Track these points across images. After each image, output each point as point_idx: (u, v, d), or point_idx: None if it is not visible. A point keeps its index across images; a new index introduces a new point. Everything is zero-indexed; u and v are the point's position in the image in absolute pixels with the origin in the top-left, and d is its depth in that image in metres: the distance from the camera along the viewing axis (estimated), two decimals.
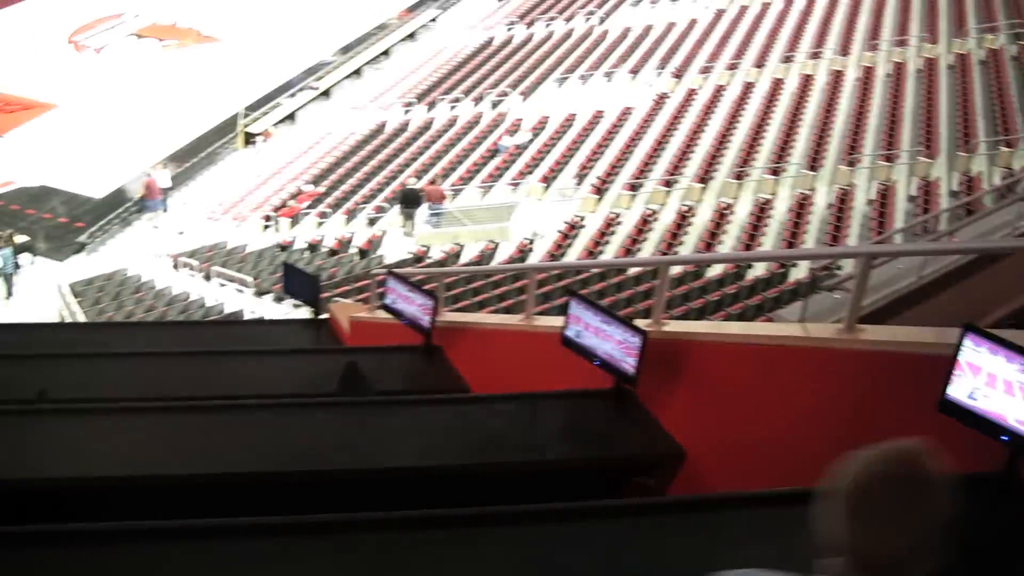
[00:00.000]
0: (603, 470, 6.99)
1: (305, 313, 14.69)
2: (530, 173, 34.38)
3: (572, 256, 27.14)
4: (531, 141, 37.68)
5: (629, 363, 6.94)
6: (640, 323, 7.17)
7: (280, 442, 6.84)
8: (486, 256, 28.14)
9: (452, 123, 41.40)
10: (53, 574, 4.48)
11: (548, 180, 33.53)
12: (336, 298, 21.17)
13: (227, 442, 6.80)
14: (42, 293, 30.77)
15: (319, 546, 4.78)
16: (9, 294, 31.30)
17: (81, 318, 26.59)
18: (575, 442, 7.17)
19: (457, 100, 43.22)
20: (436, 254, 29.11)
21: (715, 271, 22.58)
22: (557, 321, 8.64)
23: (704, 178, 30.72)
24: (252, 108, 44.17)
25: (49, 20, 52.02)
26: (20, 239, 33.25)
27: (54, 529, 4.78)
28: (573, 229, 28.92)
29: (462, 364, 9.87)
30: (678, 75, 40.98)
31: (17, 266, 32.01)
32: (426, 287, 10.67)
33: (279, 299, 26.67)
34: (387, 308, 10.74)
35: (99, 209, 37.41)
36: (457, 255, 28.71)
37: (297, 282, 14.16)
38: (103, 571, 4.50)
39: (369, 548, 4.80)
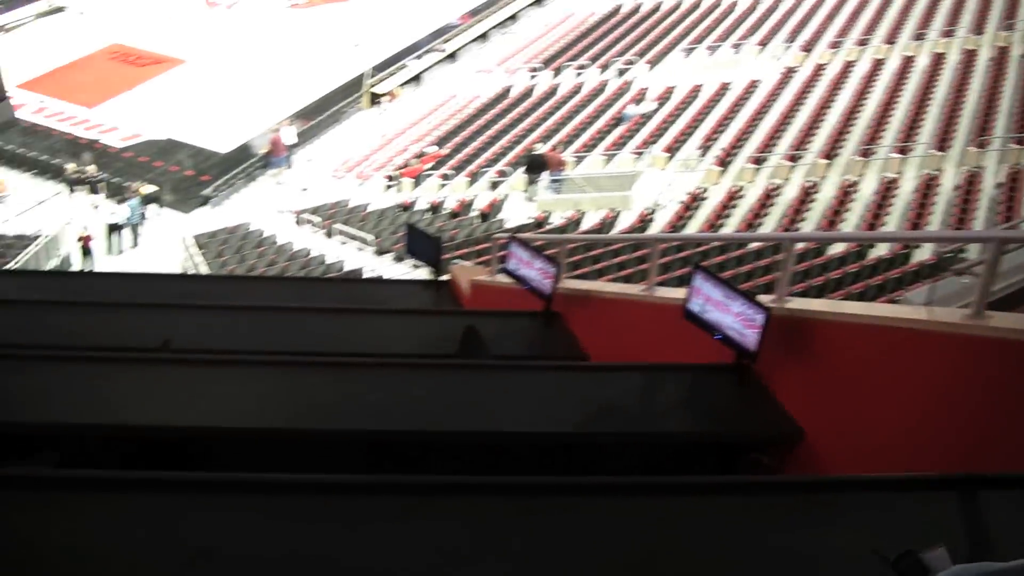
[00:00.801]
0: (719, 445, 6.97)
1: (425, 274, 14.79)
2: (654, 143, 34.21)
3: (693, 228, 27.00)
4: (656, 110, 37.49)
5: (750, 339, 6.90)
6: (763, 299, 7.12)
7: (397, 402, 6.89)
8: (607, 224, 28.10)
9: (577, 90, 41.30)
10: (172, 520, 4.56)
11: (672, 150, 33.33)
12: (456, 260, 21.27)
13: (344, 400, 6.86)
14: (167, 244, 31.31)
15: (436, 506, 4.80)
16: (135, 244, 31.93)
17: (204, 270, 27.01)
18: (692, 416, 7.14)
19: (583, 67, 43.09)
20: (557, 220, 29.12)
21: (837, 249, 22.28)
22: (678, 293, 8.60)
23: (829, 155, 30.32)
24: (379, 68, 44.40)
25: None
26: (148, 189, 33.86)
27: (178, 478, 4.88)
28: (695, 201, 28.75)
29: (580, 332, 9.88)
30: (807, 49, 40.44)
31: (143, 217, 32.66)
32: (548, 253, 10.65)
33: (399, 258, 26.89)
34: (508, 272, 10.77)
35: (225, 163, 37.93)
36: (578, 222, 28.72)
37: (419, 243, 14.26)
38: (216, 521, 4.57)
39: (484, 512, 4.81)
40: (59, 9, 49.89)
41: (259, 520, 4.60)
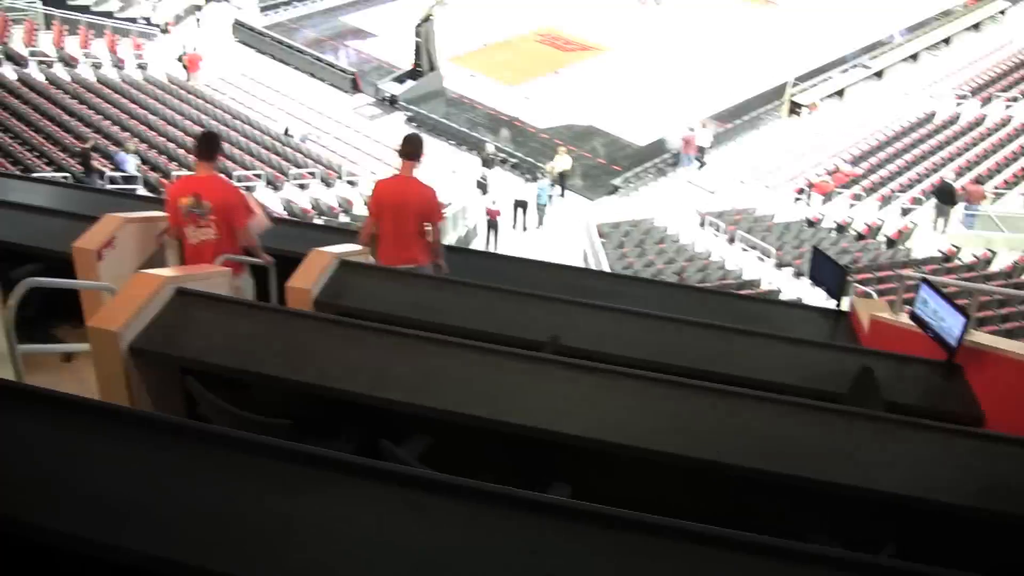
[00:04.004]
0: None
1: (824, 299, 14.57)
2: None
3: None
4: None
5: None
6: None
7: (777, 439, 6.76)
8: (1018, 268, 26.98)
9: (1005, 122, 39.74)
10: (530, 541, 4.54)
11: None
12: (858, 285, 20.88)
13: (721, 429, 6.76)
14: (571, 228, 32.04)
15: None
16: (540, 223, 32.87)
17: (603, 259, 27.46)
18: None
19: (1015, 99, 41.41)
20: (966, 256, 28.19)
21: None
22: None
23: None
24: (802, 79, 43.99)
25: None
26: (561, 165, 34.93)
27: (547, 500, 4.88)
28: None
29: (978, 389, 9.52)
30: None
31: (551, 198, 33.62)
32: (958, 301, 10.31)
33: (798, 274, 26.62)
34: (914, 316, 10.48)
35: (637, 156, 38.52)
36: (988, 261, 27.69)
37: (824, 269, 14.00)
38: (569, 549, 4.50)
39: None
40: None
41: (610, 555, 4.53)
